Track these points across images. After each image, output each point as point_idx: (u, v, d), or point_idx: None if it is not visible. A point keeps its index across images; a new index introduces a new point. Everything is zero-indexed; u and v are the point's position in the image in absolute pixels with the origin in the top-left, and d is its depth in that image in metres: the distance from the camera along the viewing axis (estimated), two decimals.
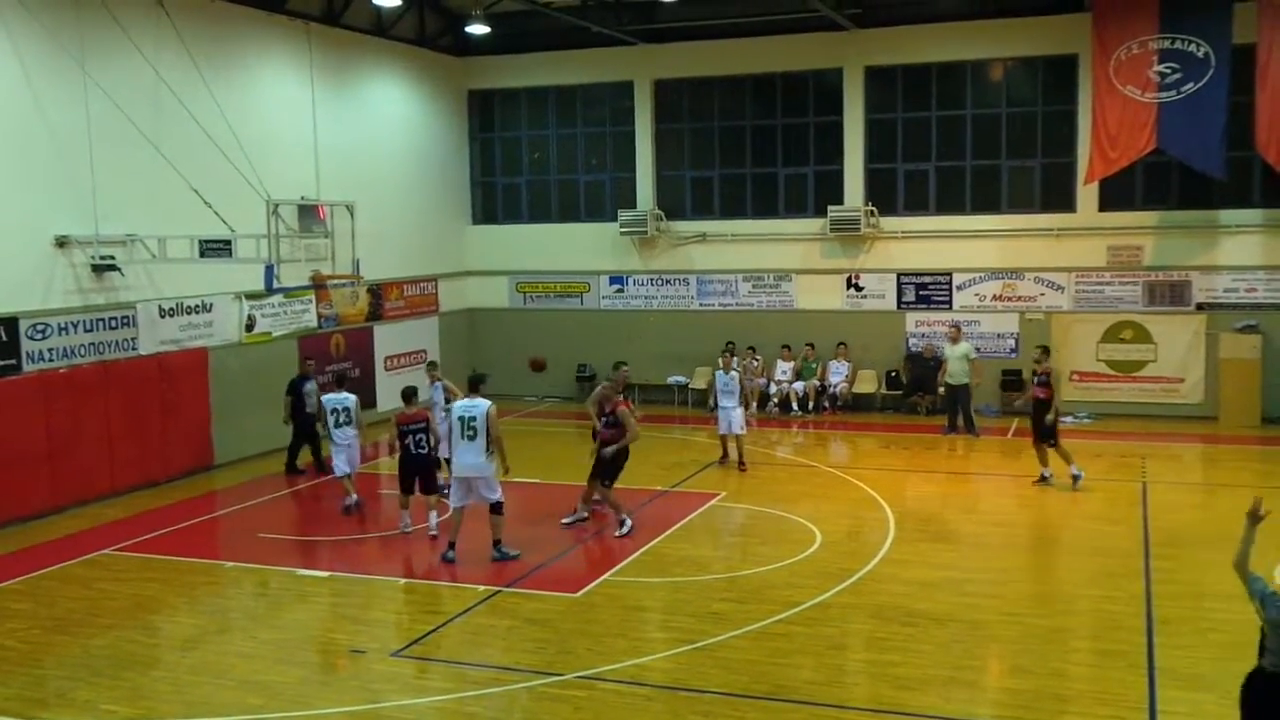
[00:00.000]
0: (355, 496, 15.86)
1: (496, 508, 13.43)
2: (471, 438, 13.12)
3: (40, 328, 15.72)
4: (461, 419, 13.20)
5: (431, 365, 18.59)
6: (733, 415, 17.96)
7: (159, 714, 9.31)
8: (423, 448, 14.61)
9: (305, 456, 18.48)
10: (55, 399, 15.80)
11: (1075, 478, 16.29)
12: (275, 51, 20.22)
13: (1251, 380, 20.82)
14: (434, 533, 14.34)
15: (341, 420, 15.91)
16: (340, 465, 15.93)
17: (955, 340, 21.04)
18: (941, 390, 21.56)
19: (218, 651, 10.86)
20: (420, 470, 14.67)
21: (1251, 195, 21.30)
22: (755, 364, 23.32)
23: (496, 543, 13.42)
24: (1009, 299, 22.74)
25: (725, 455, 18.48)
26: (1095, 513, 15.39)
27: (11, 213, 15.35)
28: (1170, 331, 21.82)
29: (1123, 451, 19.22)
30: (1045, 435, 16.59)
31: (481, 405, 13.22)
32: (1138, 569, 12.65)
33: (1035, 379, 16.92)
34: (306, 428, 18.06)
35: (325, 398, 16.30)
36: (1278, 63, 19.66)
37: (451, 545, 13.39)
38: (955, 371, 20.66)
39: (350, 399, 16.15)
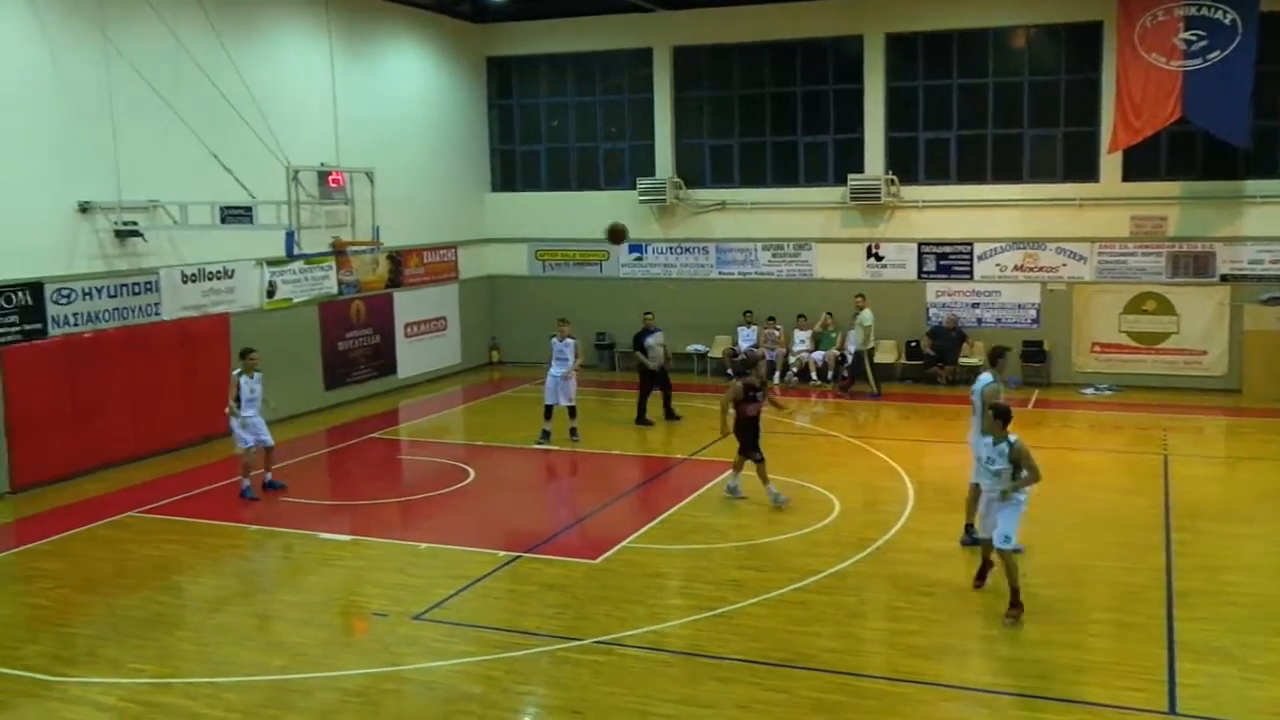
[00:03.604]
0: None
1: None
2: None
3: (65, 293, 15.83)
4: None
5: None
6: (565, 385, 17.84)
7: (184, 673, 9.44)
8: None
9: (655, 409, 19.23)
10: (80, 363, 15.93)
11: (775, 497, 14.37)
12: (295, 17, 20.19)
13: (1276, 352, 20.63)
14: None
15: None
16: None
17: (861, 308, 21.83)
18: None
19: (241, 613, 11.00)
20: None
21: (1277, 165, 21.07)
22: (776, 333, 23.31)
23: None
24: (1030, 269, 22.62)
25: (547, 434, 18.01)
26: (1116, 485, 15.36)
27: (35, 179, 15.42)
28: (1193, 303, 21.67)
29: (1144, 424, 19.16)
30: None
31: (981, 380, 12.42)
32: (1158, 542, 12.64)
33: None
34: (656, 378, 19.03)
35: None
36: None
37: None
38: (860, 337, 21.74)
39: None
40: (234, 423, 14.78)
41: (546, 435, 17.76)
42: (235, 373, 14.94)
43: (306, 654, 9.80)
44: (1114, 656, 9.65)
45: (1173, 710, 8.58)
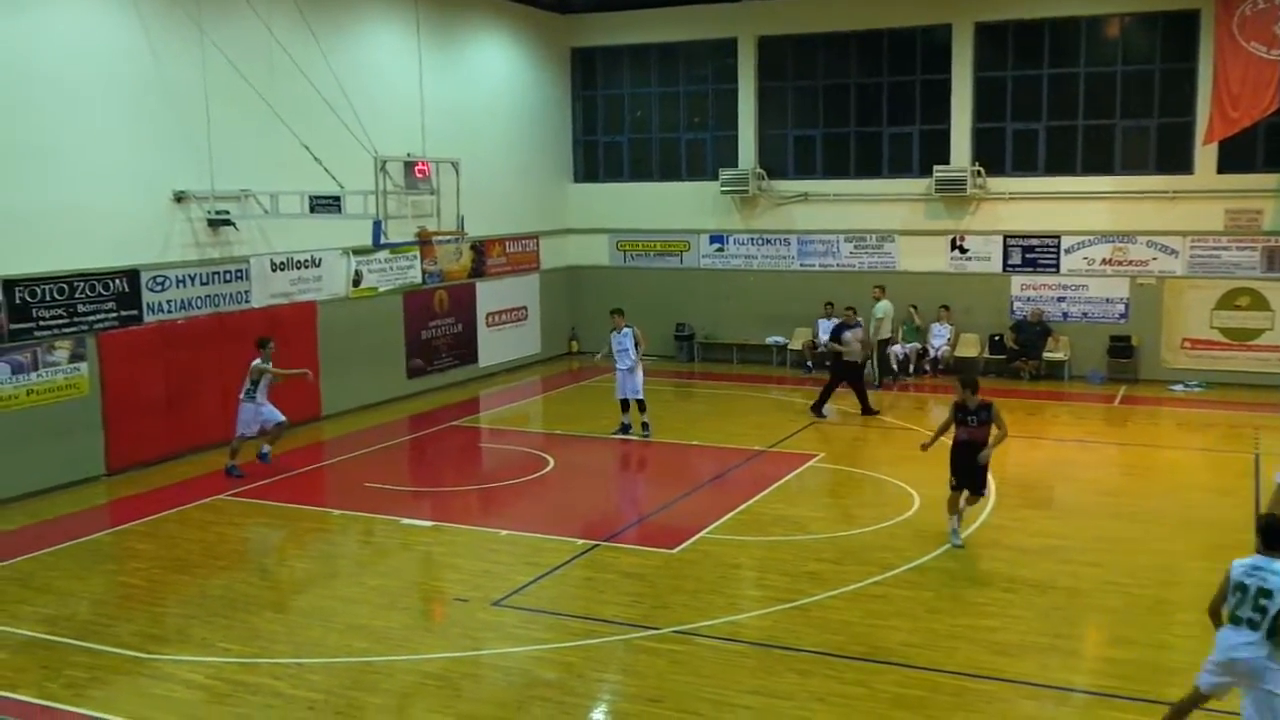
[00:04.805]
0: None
1: None
2: None
3: (160, 280, 16.28)
4: None
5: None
6: (630, 379, 17.46)
7: (271, 653, 9.69)
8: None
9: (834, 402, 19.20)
10: (174, 349, 16.37)
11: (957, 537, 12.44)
12: (384, 10, 20.49)
13: None
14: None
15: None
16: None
17: (879, 299, 21.74)
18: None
19: (326, 596, 11.23)
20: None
21: None
22: (854, 328, 23.10)
23: None
24: (1119, 263, 22.16)
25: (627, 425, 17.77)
26: (1204, 484, 15.03)
27: (133, 168, 15.88)
28: None
29: (1235, 422, 18.69)
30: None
31: None
32: (1247, 542, 12.22)
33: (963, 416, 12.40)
34: (846, 372, 19.01)
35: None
36: None
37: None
38: (875, 329, 21.51)
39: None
40: (251, 409, 15.23)
41: (626, 428, 17.70)
42: (265, 364, 15.31)
43: (388, 637, 9.99)
44: (1199, 657, 9.34)
45: None
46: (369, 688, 9.01)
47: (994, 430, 12.13)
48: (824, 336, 23.37)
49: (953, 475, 12.33)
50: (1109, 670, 9.27)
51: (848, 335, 19.09)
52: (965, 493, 12.35)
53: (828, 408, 19.12)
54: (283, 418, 15.52)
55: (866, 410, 19.10)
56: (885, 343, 22.14)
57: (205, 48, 16.46)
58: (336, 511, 14.03)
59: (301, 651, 9.71)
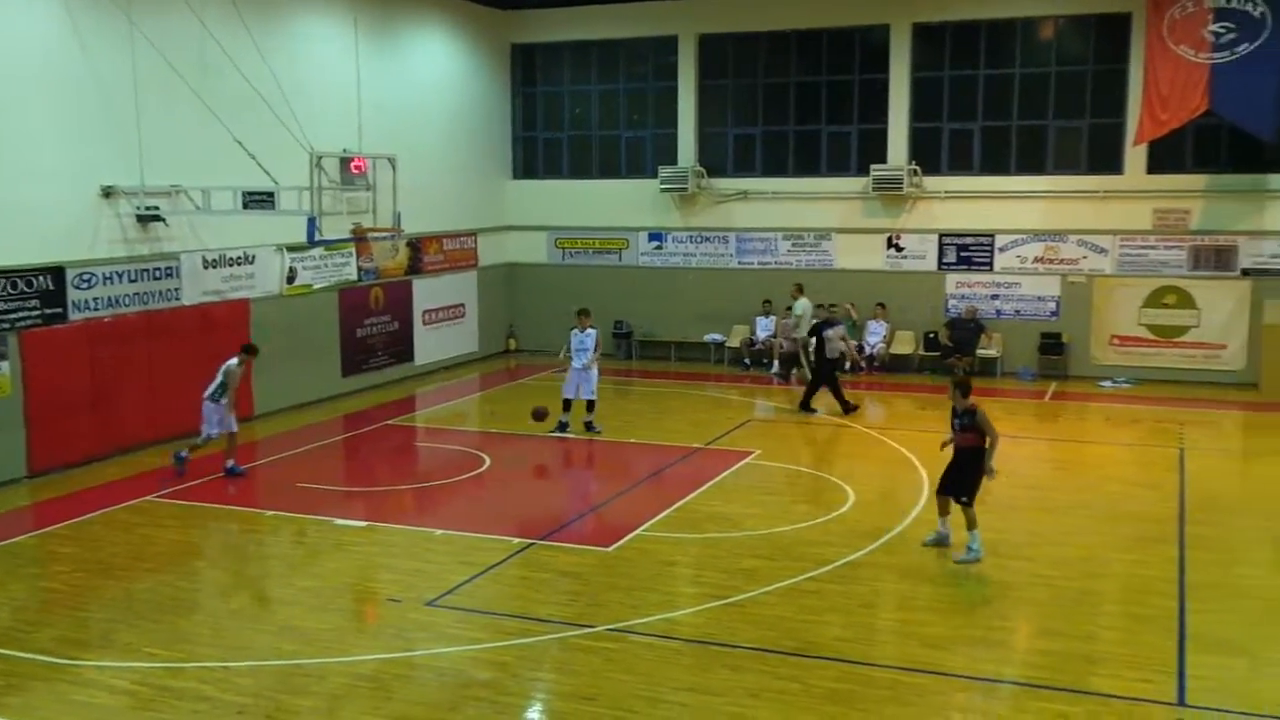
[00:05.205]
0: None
1: None
2: None
3: (86, 277, 15.94)
4: None
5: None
6: (586, 378, 17.50)
7: (198, 657, 9.51)
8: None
9: (821, 399, 19.16)
10: (100, 348, 16.03)
11: (970, 553, 11.77)
12: (320, 4, 20.24)
13: None
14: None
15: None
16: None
17: (796, 298, 21.92)
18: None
19: (256, 598, 11.08)
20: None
21: None
22: (789, 323, 23.25)
23: None
24: (1051, 261, 22.49)
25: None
26: (1131, 478, 15.32)
27: (59, 162, 15.53)
28: (1214, 297, 21.52)
29: (1161, 417, 19.05)
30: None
31: None
32: (1172, 534, 12.59)
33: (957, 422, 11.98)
34: (827, 370, 19.04)
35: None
36: None
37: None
38: (794, 326, 21.91)
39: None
40: (218, 410, 14.97)
41: (564, 426, 17.64)
42: (237, 364, 15.07)
43: (319, 639, 9.87)
44: (1125, 648, 9.63)
45: (1182, 702, 8.56)
46: (299, 690, 8.89)
47: (988, 438, 11.64)
48: (762, 334, 23.51)
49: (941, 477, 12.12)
50: (1037, 661, 9.40)
51: (829, 332, 19.17)
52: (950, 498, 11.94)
53: (816, 404, 19.24)
54: (236, 428, 15.28)
55: (847, 409, 19.00)
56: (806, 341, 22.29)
57: (135, 40, 16.14)
58: (268, 512, 13.82)
59: (230, 655, 9.56)
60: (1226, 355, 21.53)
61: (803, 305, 21.85)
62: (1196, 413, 19.31)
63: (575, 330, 17.61)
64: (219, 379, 15.06)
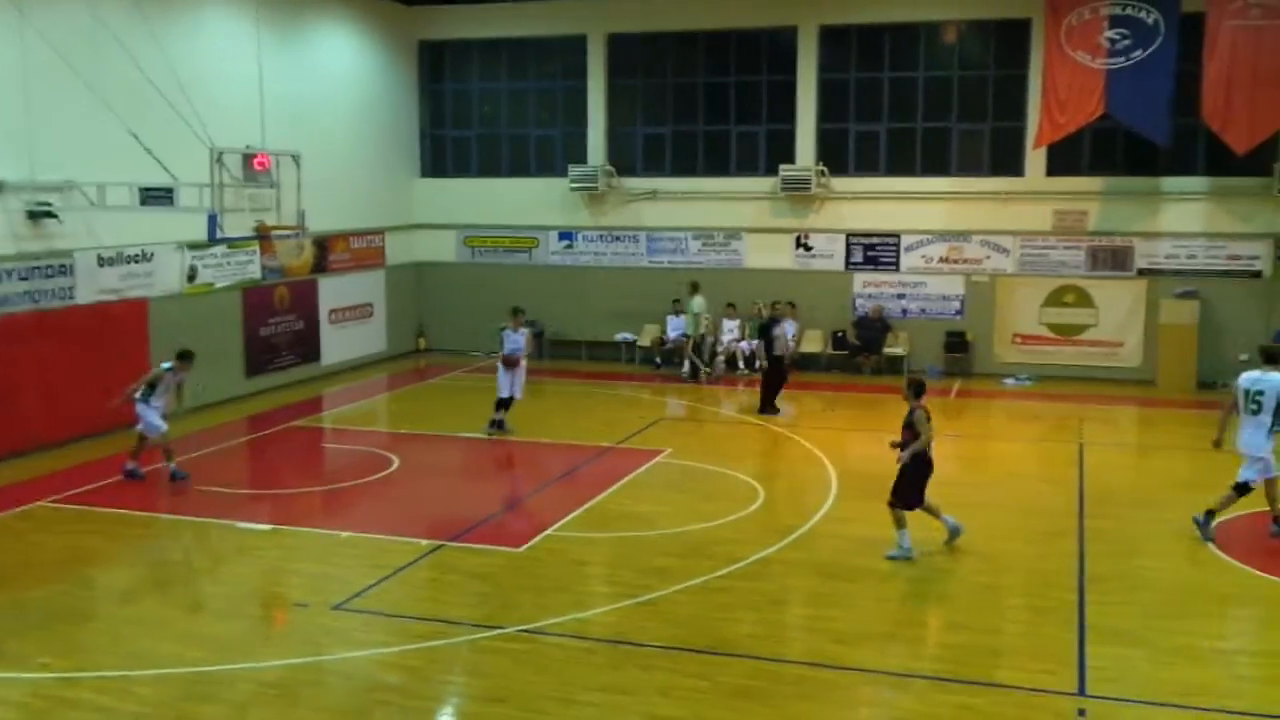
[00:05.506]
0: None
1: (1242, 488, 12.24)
2: (1255, 412, 11.95)
3: None
4: (1247, 392, 12.04)
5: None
6: (517, 377, 17.40)
7: (95, 666, 9.21)
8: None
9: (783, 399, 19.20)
10: None
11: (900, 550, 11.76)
12: None
13: (1189, 345, 21.15)
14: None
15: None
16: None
17: (692, 295, 22.41)
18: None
19: (157, 604, 10.77)
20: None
21: (1195, 163, 21.57)
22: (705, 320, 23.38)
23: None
24: (955, 261, 22.92)
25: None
26: (1034, 473, 15.67)
27: None
28: (1112, 296, 22.13)
29: (1061, 413, 19.52)
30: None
31: (1274, 380, 11.93)
32: (1072, 528, 12.88)
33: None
34: (780, 368, 19.07)
35: None
36: (1226, 32, 19.89)
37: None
38: (691, 324, 22.42)
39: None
40: (152, 410, 14.51)
41: (499, 425, 17.43)
42: (168, 368, 14.65)
43: (224, 645, 9.61)
44: (1027, 640, 9.83)
45: (1082, 692, 8.74)
46: (203, 698, 8.65)
47: (924, 436, 11.65)
48: (673, 334, 23.56)
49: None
50: (944, 655, 9.54)
51: (777, 331, 19.29)
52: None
53: (781, 403, 19.28)
54: (154, 434, 14.77)
55: (765, 408, 19.14)
56: (703, 338, 22.61)
57: (23, 29, 15.59)
58: (168, 517, 13.46)
59: (129, 664, 9.26)
60: (1124, 352, 22.15)
61: (699, 303, 22.16)
62: (1095, 409, 19.81)
63: (508, 329, 17.45)
64: (144, 379, 14.63)
